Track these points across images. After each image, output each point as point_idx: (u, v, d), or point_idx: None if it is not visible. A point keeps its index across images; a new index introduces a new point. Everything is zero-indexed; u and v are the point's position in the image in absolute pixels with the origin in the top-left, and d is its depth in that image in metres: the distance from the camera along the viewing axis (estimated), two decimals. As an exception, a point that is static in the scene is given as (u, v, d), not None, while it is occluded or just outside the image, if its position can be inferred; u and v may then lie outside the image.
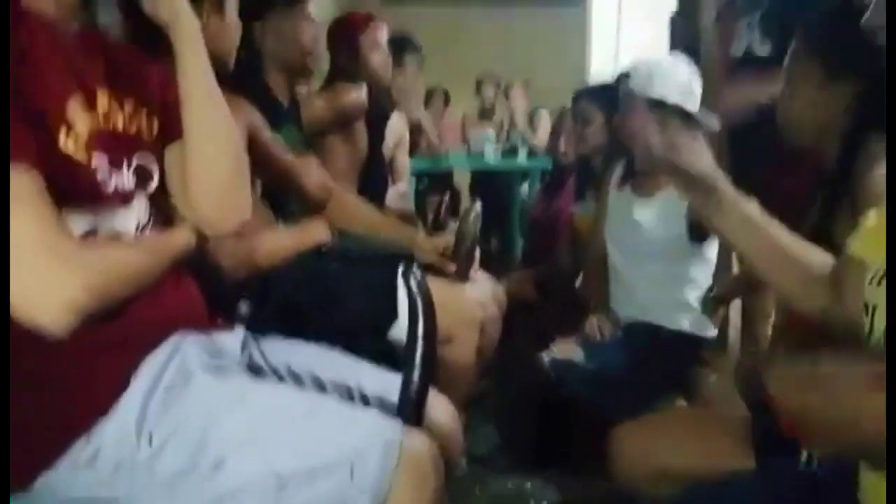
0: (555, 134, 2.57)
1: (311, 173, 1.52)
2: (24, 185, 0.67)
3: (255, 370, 0.94)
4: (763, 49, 1.89)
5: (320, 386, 0.94)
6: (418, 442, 0.81)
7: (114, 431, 0.74)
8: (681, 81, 1.61)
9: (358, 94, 1.94)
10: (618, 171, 1.80)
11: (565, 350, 1.68)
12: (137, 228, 0.84)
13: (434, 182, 4.18)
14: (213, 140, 0.86)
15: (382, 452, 0.75)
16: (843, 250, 0.82)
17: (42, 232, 0.67)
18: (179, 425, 0.74)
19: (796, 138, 1.16)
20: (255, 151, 1.43)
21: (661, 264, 1.66)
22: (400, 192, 2.48)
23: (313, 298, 1.33)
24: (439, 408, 1.03)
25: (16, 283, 0.65)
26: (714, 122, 1.64)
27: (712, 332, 1.67)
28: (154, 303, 0.82)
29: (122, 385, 0.76)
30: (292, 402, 0.82)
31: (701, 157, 0.92)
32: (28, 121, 0.70)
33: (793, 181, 1.77)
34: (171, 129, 0.89)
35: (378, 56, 2.07)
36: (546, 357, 1.67)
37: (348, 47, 2.01)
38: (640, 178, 1.72)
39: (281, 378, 0.95)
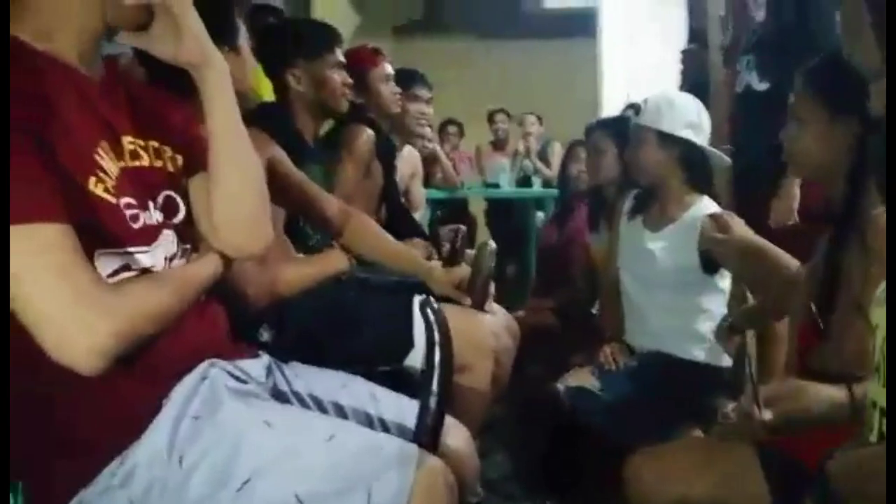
0: (565, 164, 2.62)
1: (331, 199, 1.56)
2: (53, 238, 0.70)
3: (278, 396, 0.96)
4: (761, 85, 1.98)
5: (341, 412, 0.97)
6: (434, 466, 0.82)
7: (146, 453, 0.76)
8: (689, 116, 1.66)
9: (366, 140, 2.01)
10: (628, 203, 1.82)
11: (580, 378, 1.69)
12: (166, 260, 0.87)
13: (450, 212, 4.24)
14: (239, 175, 0.89)
15: (399, 476, 0.77)
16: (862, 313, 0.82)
17: (70, 281, 0.70)
18: (209, 449, 0.77)
19: (802, 174, 1.20)
20: (276, 183, 1.48)
21: (674, 294, 1.68)
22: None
23: (331, 326, 1.36)
24: (455, 434, 1.04)
25: (47, 328, 0.69)
26: (724, 158, 1.69)
27: (727, 362, 1.67)
28: (182, 330, 0.85)
29: (154, 409, 0.79)
30: (315, 426, 0.84)
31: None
32: (57, 173, 0.72)
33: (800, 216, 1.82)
34: (195, 162, 0.93)
35: (388, 89, 2.13)
36: (561, 385, 1.68)
37: (358, 82, 2.07)
38: (651, 210, 1.76)
39: (304, 403, 0.97)
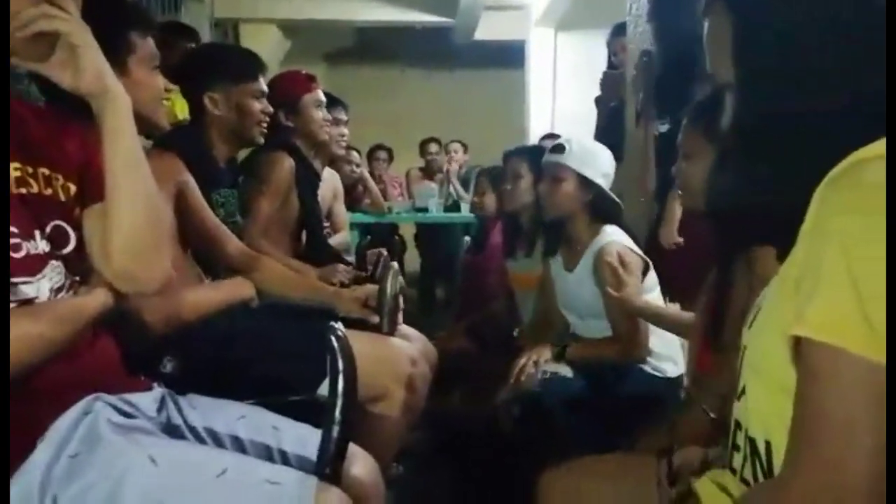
0: (478, 191, 2.68)
1: (233, 239, 1.55)
2: None
3: (171, 430, 0.93)
4: (662, 127, 2.12)
5: (239, 445, 0.94)
6: (333, 499, 0.81)
7: (17, 495, 0.72)
8: (606, 168, 1.83)
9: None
10: (540, 243, 1.97)
11: (556, 367, 1.73)
12: (52, 291, 0.84)
13: (380, 236, 4.24)
14: (135, 207, 0.87)
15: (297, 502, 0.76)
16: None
17: None
18: (87, 489, 0.74)
19: (694, 205, 1.29)
20: (184, 210, 1.46)
21: (603, 323, 1.77)
22: (339, 241, 2.53)
23: (241, 356, 1.33)
24: (360, 463, 1.04)
25: None
26: (621, 206, 1.86)
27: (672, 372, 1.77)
28: (68, 362, 0.82)
29: (29, 445, 0.75)
30: (204, 462, 0.81)
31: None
32: None
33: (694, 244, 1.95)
34: (90, 191, 0.90)
35: (318, 115, 2.14)
36: (538, 372, 1.71)
37: (290, 106, 2.07)
38: (565, 247, 1.89)
39: (199, 437, 0.94)
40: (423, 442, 1.97)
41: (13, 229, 0.80)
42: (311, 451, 0.93)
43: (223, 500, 0.76)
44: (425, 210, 4.39)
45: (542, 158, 2.09)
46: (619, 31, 2.84)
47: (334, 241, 2.49)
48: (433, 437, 2.00)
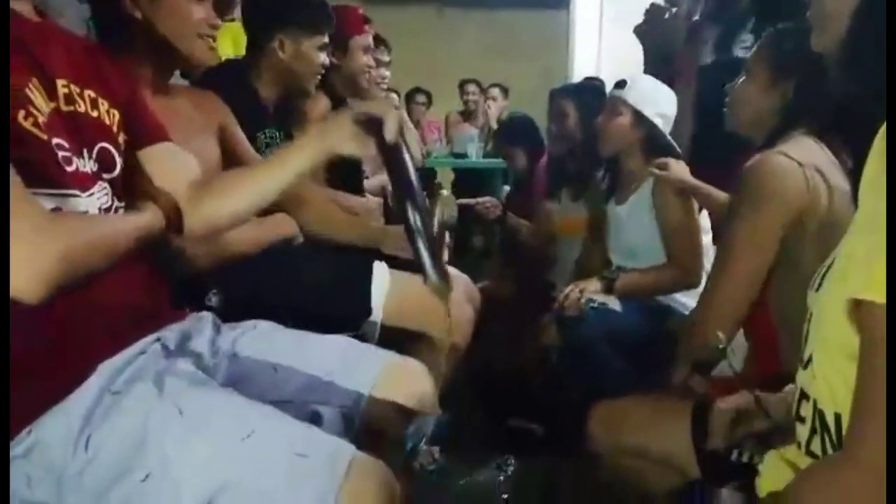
0: (504, 149, 2.64)
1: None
2: None
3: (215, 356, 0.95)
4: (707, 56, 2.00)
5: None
6: (368, 473, 0.76)
7: (58, 427, 0.72)
8: (664, 107, 1.78)
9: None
10: (603, 184, 1.91)
11: (605, 298, 1.70)
12: (100, 211, 0.84)
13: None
14: (248, 203, 0.95)
15: (324, 483, 0.71)
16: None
17: (14, 203, 0.67)
18: (115, 431, 0.73)
19: (737, 123, 1.30)
20: (226, 150, 1.45)
21: (654, 259, 1.73)
22: (378, 183, 2.50)
23: (285, 293, 1.33)
24: (416, 377, 1.07)
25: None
26: (678, 150, 1.79)
27: None
28: (120, 295, 0.82)
29: (77, 377, 0.76)
30: (229, 422, 0.77)
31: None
32: None
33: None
34: (140, 128, 0.92)
35: (365, 59, 2.09)
36: (585, 302, 1.68)
37: (339, 43, 2.02)
38: (620, 186, 1.85)
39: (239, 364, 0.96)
40: (465, 382, 1.97)
41: (64, 143, 0.79)
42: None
43: (244, 465, 0.72)
44: (464, 155, 4.31)
45: (589, 96, 2.02)
46: None
47: (374, 182, 2.46)
48: (476, 378, 1.99)
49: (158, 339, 0.86)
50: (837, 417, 0.61)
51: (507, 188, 4.30)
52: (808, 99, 1.16)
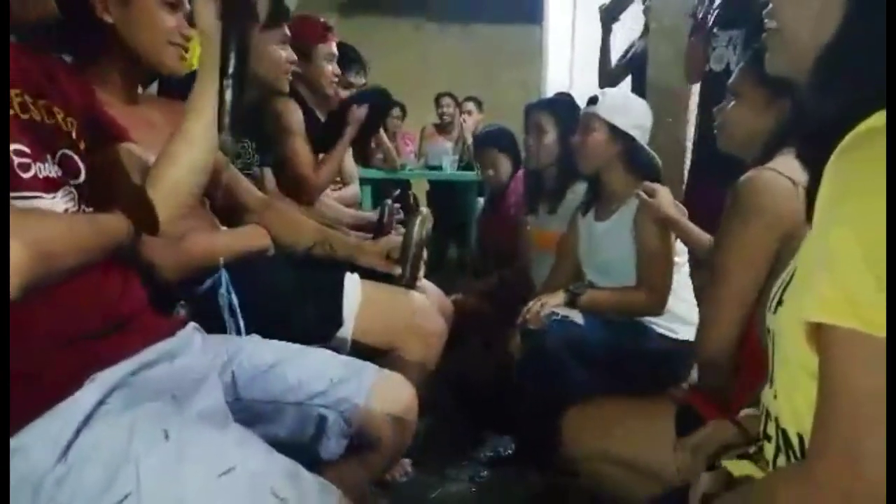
0: (487, 161, 2.54)
1: (251, 188, 1.53)
2: None
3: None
4: (719, 63, 2.01)
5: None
6: None
7: (43, 435, 0.71)
8: (640, 119, 1.78)
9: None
10: (583, 200, 1.90)
11: (568, 311, 1.70)
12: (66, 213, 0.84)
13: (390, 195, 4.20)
14: (201, 150, 0.95)
15: None
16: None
17: None
18: (99, 447, 0.72)
19: (729, 146, 1.26)
20: None
21: (627, 279, 1.73)
22: (350, 194, 2.50)
23: (256, 305, 1.31)
24: (397, 390, 1.12)
25: None
26: (657, 160, 1.80)
27: (685, 335, 1.72)
28: (109, 305, 0.83)
29: (68, 387, 0.75)
30: (215, 452, 0.75)
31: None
32: None
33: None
34: (101, 134, 0.93)
35: (329, 69, 2.09)
36: (548, 314, 1.68)
37: (302, 52, 2.01)
38: (600, 201, 1.84)
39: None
40: (438, 394, 1.97)
41: (24, 149, 0.79)
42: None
43: (220, 501, 0.70)
44: (439, 168, 4.33)
45: (564, 111, 2.03)
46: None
47: (346, 193, 2.46)
48: (449, 390, 1.99)
49: (155, 357, 0.86)
50: (801, 437, 0.62)
51: (480, 200, 4.33)
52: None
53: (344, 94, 2.26)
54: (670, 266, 1.69)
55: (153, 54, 1.20)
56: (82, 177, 0.88)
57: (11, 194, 0.75)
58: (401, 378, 1.17)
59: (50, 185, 0.82)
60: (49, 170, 0.83)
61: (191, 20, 1.26)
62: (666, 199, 1.64)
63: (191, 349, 0.96)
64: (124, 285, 0.89)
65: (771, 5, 0.66)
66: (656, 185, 1.65)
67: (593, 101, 1.78)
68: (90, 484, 0.69)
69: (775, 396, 0.66)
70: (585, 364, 1.59)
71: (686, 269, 1.79)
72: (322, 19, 2.16)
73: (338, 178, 2.39)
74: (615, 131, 1.74)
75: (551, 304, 1.70)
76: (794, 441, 0.63)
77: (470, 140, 4.51)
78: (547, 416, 1.28)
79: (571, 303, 1.70)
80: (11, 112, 0.80)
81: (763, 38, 0.67)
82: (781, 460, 0.65)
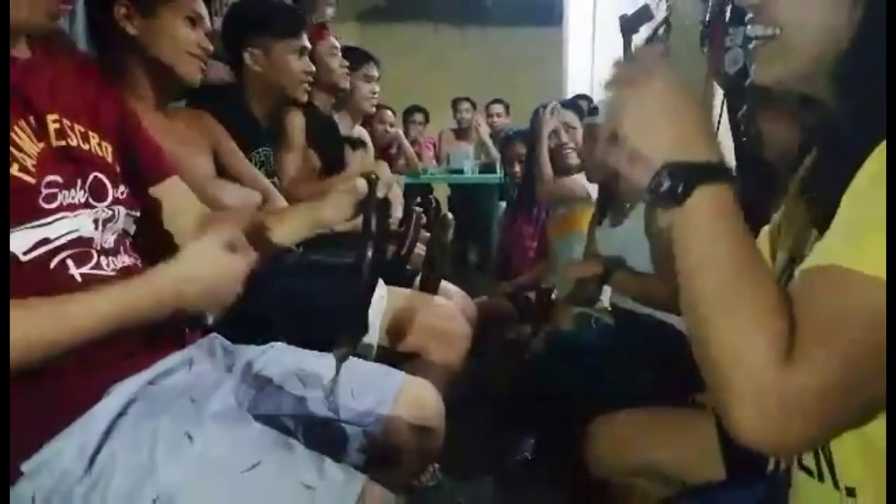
0: (506, 158, 2.54)
1: (271, 191, 1.55)
2: None
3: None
4: (734, 65, 1.97)
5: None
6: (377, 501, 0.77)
7: (69, 447, 0.72)
8: None
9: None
10: (595, 212, 1.88)
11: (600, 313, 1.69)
12: (98, 223, 0.85)
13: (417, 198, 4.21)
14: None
15: None
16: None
17: None
18: (124, 454, 0.73)
19: (764, 152, 1.25)
20: (221, 166, 1.48)
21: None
22: None
23: (281, 312, 1.33)
24: (427, 395, 1.10)
25: None
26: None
27: None
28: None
29: (89, 399, 0.76)
30: (240, 449, 0.77)
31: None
32: None
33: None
34: (146, 169, 0.95)
35: (336, 62, 2.11)
36: (582, 316, 1.67)
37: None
38: (614, 208, 1.82)
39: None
40: (463, 398, 1.97)
41: (57, 178, 0.80)
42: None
43: (248, 496, 0.71)
44: (460, 171, 4.34)
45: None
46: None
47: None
48: (473, 393, 1.99)
49: (172, 365, 0.87)
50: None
51: (502, 204, 4.32)
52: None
53: (365, 88, 2.26)
54: None
55: (174, 63, 1.26)
56: (108, 200, 0.88)
57: (31, 223, 0.76)
58: (427, 384, 1.13)
59: (73, 209, 0.83)
60: (75, 196, 0.83)
61: (211, 37, 1.31)
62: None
63: (209, 356, 0.97)
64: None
65: (766, 11, 0.61)
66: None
67: (595, 111, 1.74)
68: (117, 493, 0.70)
69: None
70: (613, 367, 1.58)
71: None
72: (313, 21, 2.18)
73: None
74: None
75: (582, 273, 1.66)
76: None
77: (489, 142, 4.51)
78: (573, 420, 1.27)
79: (602, 279, 1.64)
80: (43, 144, 0.80)
81: (755, 47, 0.63)
82: (809, 460, 0.64)
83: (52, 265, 0.78)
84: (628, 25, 2.87)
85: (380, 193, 0.93)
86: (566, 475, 1.63)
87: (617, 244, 1.78)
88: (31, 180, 0.77)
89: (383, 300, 1.40)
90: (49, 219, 0.79)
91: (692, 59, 2.51)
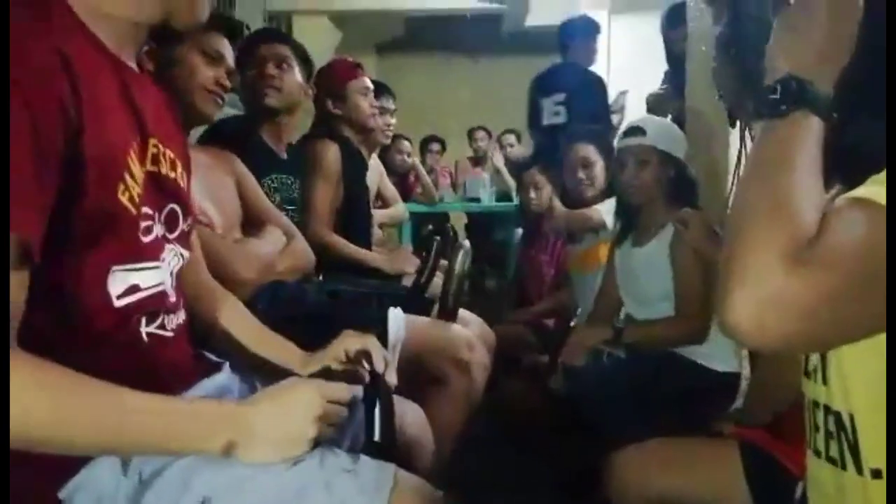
0: (529, 186, 2.50)
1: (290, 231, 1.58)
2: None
3: None
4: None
5: None
6: (412, 488, 0.78)
7: (100, 468, 0.71)
8: (682, 141, 1.78)
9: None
10: (616, 228, 1.89)
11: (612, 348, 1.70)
12: (171, 276, 0.82)
13: (434, 226, 4.25)
14: None
15: (371, 501, 0.73)
16: None
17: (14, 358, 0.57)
18: (164, 466, 0.72)
19: None
20: (242, 195, 1.52)
21: (666, 307, 1.71)
22: (394, 214, 2.55)
23: (301, 341, 1.34)
24: (409, 416, 1.06)
25: None
26: (696, 180, 1.79)
27: (725, 367, 1.69)
28: (160, 363, 0.81)
29: None
30: None
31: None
32: (67, 170, 0.61)
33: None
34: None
35: (366, 101, 2.14)
36: (595, 353, 1.68)
37: (336, 93, 2.08)
38: (638, 228, 1.82)
39: None
40: (483, 427, 1.96)
41: (149, 211, 0.75)
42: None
43: (296, 489, 0.72)
44: (477, 200, 4.36)
45: (605, 139, 2.03)
46: (675, 17, 2.44)
47: (387, 213, 2.51)
48: (493, 422, 1.97)
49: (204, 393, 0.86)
50: (852, 417, 0.62)
51: (518, 231, 4.33)
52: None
53: (381, 120, 2.29)
54: (708, 293, 1.64)
55: (190, 99, 1.30)
56: (178, 231, 0.85)
57: (127, 266, 0.72)
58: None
59: (157, 248, 0.79)
60: (160, 228, 0.79)
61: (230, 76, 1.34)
62: (700, 228, 1.60)
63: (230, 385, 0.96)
64: (182, 344, 0.86)
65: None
66: (689, 214, 1.62)
67: (637, 131, 1.75)
68: (165, 496, 0.70)
69: (824, 383, 0.65)
70: (628, 400, 1.57)
71: None
72: (349, 58, 2.22)
73: (378, 202, 2.44)
74: (668, 159, 1.72)
75: (593, 340, 1.68)
76: (847, 422, 0.62)
77: (504, 170, 4.53)
78: (592, 452, 1.26)
79: (615, 339, 1.68)
80: (144, 169, 0.75)
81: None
82: (833, 449, 0.65)
83: (132, 320, 0.75)
84: (654, 103, 2.69)
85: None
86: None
87: (637, 264, 1.78)
88: (134, 211, 0.72)
89: (401, 331, 1.40)
90: (142, 264, 0.75)
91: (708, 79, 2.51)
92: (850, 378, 0.61)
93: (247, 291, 1.31)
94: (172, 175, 0.83)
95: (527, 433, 1.95)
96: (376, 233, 2.36)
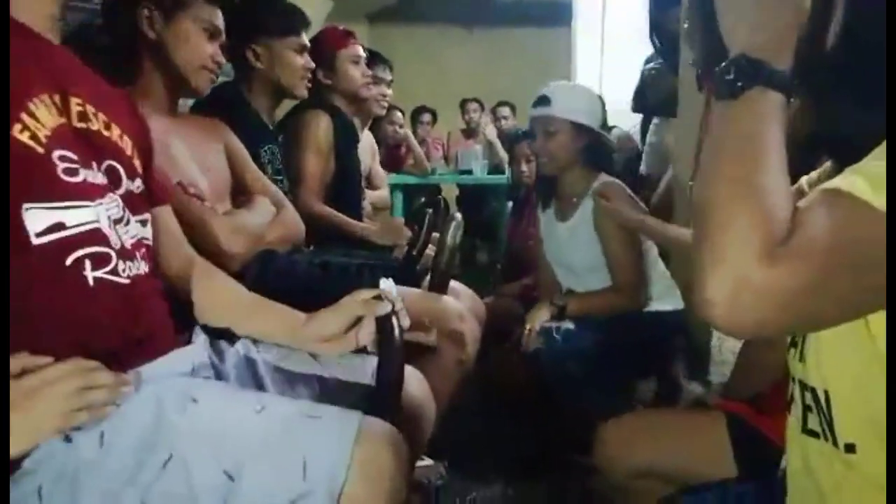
0: (512, 156, 2.52)
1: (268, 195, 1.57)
2: None
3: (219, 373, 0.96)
4: None
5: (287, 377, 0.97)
6: (378, 434, 0.78)
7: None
8: (594, 106, 1.76)
9: None
10: (536, 197, 1.93)
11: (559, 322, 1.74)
12: (112, 222, 0.84)
13: (425, 198, 4.23)
14: None
15: (338, 445, 0.74)
16: None
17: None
18: (129, 423, 0.73)
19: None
20: (232, 165, 1.51)
21: (597, 276, 1.77)
22: (379, 197, 2.53)
23: (296, 309, 1.34)
24: (415, 383, 1.08)
25: None
26: (613, 142, 1.81)
27: (671, 305, 1.77)
28: (132, 317, 0.84)
29: None
30: (243, 399, 0.81)
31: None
32: None
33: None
34: (151, 190, 0.97)
35: (357, 70, 2.11)
36: (545, 332, 1.71)
37: (327, 62, 2.05)
38: (559, 199, 1.85)
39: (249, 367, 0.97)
40: (473, 398, 1.98)
41: (70, 154, 0.79)
42: (360, 377, 0.96)
43: (263, 434, 0.74)
44: (469, 172, 4.35)
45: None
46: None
47: (374, 197, 2.49)
48: (483, 393, 2.00)
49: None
50: (827, 394, 0.63)
51: (510, 204, 4.33)
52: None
53: (376, 90, 2.27)
54: (639, 262, 1.71)
55: (190, 75, 1.32)
56: (122, 189, 0.88)
57: (49, 204, 0.74)
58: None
59: (95, 192, 0.82)
60: (95, 176, 0.83)
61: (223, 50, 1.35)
62: (620, 199, 1.64)
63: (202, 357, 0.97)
64: (148, 300, 0.88)
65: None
66: (607, 185, 1.66)
67: (544, 101, 1.73)
68: (128, 459, 0.71)
69: (801, 360, 0.66)
70: (589, 366, 1.62)
71: (654, 251, 1.81)
72: (341, 27, 2.19)
73: (366, 183, 2.42)
74: (578, 128, 1.72)
75: (540, 322, 1.71)
76: (822, 398, 0.63)
77: (497, 142, 4.51)
78: (581, 421, 1.28)
79: (559, 315, 1.72)
80: (63, 120, 0.80)
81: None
82: (812, 421, 0.66)
83: (69, 262, 0.76)
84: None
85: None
86: (576, 476, 1.64)
87: (564, 239, 1.81)
88: (40, 150, 0.75)
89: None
90: (69, 203, 0.77)
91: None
92: (825, 356, 0.62)
93: (236, 263, 1.31)
94: (107, 134, 0.88)
95: (516, 404, 1.98)
96: (367, 205, 2.35)
